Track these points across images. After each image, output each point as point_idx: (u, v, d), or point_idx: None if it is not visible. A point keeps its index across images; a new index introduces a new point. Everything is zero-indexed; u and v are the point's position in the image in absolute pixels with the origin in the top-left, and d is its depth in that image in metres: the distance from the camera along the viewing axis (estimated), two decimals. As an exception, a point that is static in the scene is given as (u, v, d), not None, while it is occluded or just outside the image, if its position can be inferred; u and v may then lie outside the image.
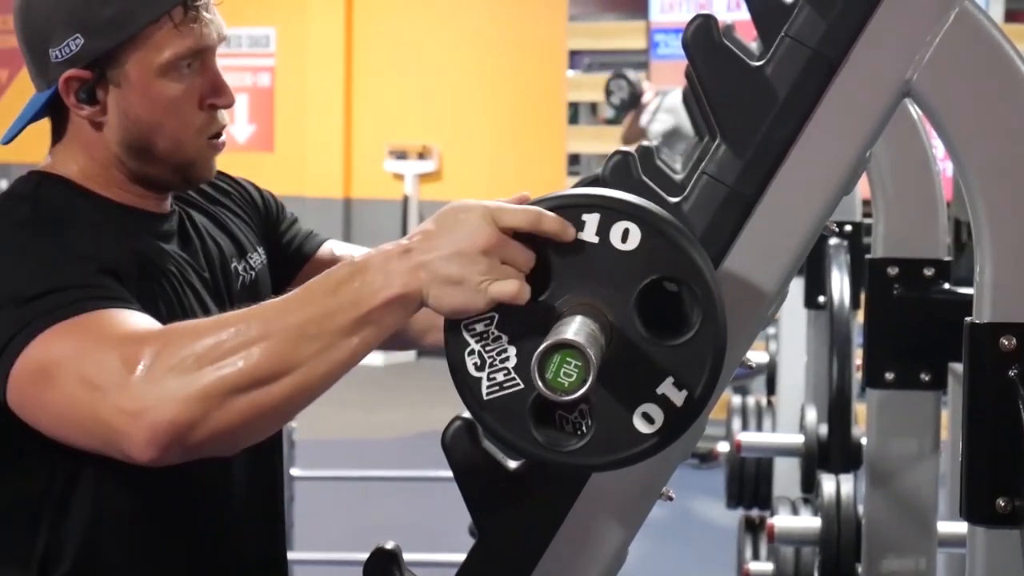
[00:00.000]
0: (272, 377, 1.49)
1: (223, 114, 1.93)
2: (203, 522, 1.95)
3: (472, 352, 1.37)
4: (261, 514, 2.05)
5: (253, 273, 2.09)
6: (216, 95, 1.91)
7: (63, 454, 1.72)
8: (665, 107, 8.70)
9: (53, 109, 1.92)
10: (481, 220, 1.39)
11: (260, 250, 2.13)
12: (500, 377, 1.36)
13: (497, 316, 1.36)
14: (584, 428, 1.35)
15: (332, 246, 2.23)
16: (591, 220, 1.34)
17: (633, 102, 9.26)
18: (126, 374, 1.54)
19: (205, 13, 1.88)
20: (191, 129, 1.90)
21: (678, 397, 1.33)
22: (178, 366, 1.51)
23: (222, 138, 1.94)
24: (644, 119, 8.96)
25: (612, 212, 1.34)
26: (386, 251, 1.44)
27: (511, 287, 1.36)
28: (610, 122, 9.56)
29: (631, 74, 9.34)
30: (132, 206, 1.94)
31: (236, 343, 1.50)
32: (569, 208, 1.35)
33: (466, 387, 1.37)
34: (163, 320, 1.74)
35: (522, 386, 1.34)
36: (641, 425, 1.34)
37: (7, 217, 1.85)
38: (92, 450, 1.62)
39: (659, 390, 1.34)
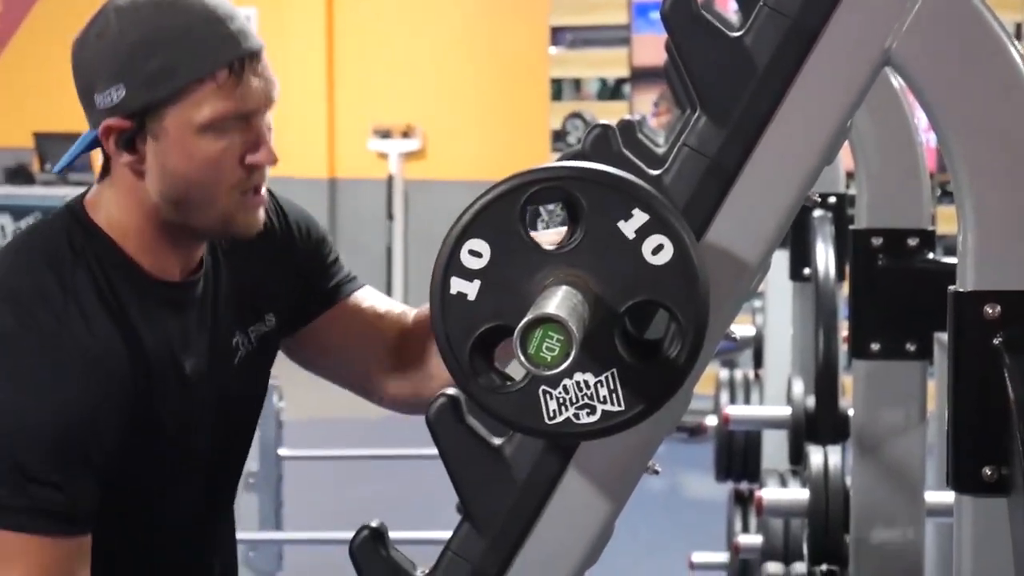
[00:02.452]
0: None
1: (264, 172, 1.95)
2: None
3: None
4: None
5: (253, 345, 2.13)
6: (256, 154, 1.92)
7: None
8: None
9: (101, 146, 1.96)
10: None
11: (270, 316, 2.16)
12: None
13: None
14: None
15: (365, 295, 2.27)
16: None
17: None
18: None
19: (252, 76, 1.90)
20: (226, 185, 1.92)
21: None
22: None
23: (261, 193, 1.96)
24: None
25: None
26: None
27: None
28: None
29: (587, 114, 9.38)
30: (155, 276, 1.98)
31: None
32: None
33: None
34: (160, 411, 1.95)
35: None
36: None
37: (22, 259, 1.93)
38: None
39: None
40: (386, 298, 2.31)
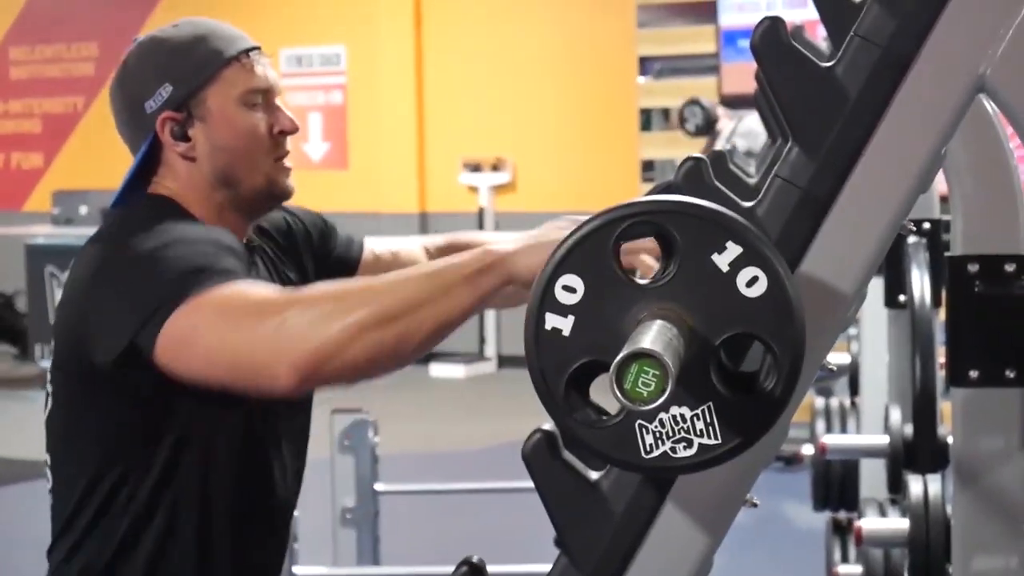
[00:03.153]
0: (395, 317, 1.87)
1: (288, 141, 2.36)
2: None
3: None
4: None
5: None
6: (282, 123, 2.34)
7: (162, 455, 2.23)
8: (740, 132, 8.66)
9: (148, 160, 2.32)
10: None
11: None
12: None
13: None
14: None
15: (372, 246, 2.66)
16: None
17: (708, 128, 9.23)
18: (269, 321, 1.93)
19: (264, 61, 2.36)
20: (263, 152, 2.32)
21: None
22: (315, 312, 1.91)
23: (288, 162, 2.36)
24: (719, 145, 8.91)
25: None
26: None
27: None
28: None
29: (705, 100, 9.31)
30: None
31: (365, 293, 1.92)
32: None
33: None
34: None
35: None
36: None
37: (135, 222, 2.23)
38: (238, 388, 2.01)
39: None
40: (386, 239, 2.71)
